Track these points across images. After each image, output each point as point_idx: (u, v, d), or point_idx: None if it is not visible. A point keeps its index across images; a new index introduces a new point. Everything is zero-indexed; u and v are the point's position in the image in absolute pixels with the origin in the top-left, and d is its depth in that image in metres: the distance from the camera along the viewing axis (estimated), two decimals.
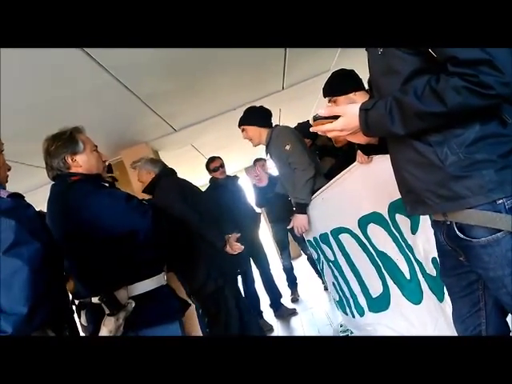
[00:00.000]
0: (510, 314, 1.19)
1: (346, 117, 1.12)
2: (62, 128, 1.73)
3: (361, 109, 1.09)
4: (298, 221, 2.75)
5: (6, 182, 1.25)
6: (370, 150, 1.68)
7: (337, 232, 2.56)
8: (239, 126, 2.99)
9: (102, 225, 1.60)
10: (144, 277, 1.65)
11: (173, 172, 3.06)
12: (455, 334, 2.18)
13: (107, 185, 1.77)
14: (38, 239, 0.98)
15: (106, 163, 1.89)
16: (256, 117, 2.93)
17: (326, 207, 2.60)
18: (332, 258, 2.68)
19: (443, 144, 1.02)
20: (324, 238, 2.67)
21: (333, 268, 2.74)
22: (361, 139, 1.21)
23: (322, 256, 2.85)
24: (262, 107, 3.03)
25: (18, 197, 1.04)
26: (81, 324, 1.74)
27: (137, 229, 1.63)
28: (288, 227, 2.95)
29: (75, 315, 1.73)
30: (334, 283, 2.85)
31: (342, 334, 2.96)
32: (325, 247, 2.71)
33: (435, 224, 1.21)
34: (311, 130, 1.20)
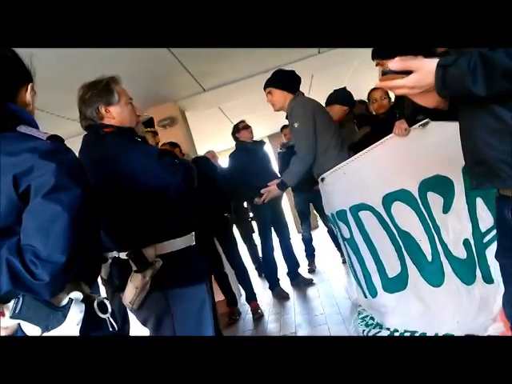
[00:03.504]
0: None
1: (420, 72, 0.99)
2: (99, 76, 1.67)
3: (439, 65, 0.96)
4: (271, 192, 2.77)
5: None
6: (435, 115, 1.52)
7: (356, 209, 2.45)
8: (265, 87, 2.87)
9: (132, 179, 1.55)
10: (173, 236, 1.61)
11: None
12: (481, 318, 2.16)
13: (139, 140, 1.72)
14: (78, 185, 0.93)
15: (140, 118, 1.83)
16: (284, 80, 2.80)
17: (348, 182, 2.48)
18: (347, 236, 2.59)
19: None
20: (341, 214, 2.56)
21: (347, 246, 2.67)
22: (429, 101, 1.07)
23: (338, 233, 2.78)
24: (292, 72, 2.88)
25: (57, 140, 0.97)
26: (101, 277, 1.73)
27: (167, 186, 1.59)
28: (259, 199, 2.87)
29: None
30: (346, 261, 2.79)
31: (359, 309, 2.93)
32: (341, 224, 2.61)
33: (501, 199, 1.10)
34: (377, 85, 1.07)
